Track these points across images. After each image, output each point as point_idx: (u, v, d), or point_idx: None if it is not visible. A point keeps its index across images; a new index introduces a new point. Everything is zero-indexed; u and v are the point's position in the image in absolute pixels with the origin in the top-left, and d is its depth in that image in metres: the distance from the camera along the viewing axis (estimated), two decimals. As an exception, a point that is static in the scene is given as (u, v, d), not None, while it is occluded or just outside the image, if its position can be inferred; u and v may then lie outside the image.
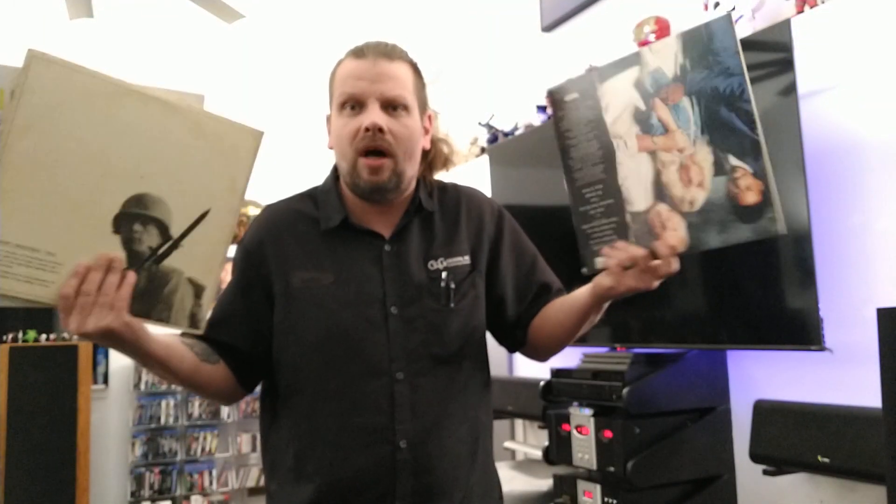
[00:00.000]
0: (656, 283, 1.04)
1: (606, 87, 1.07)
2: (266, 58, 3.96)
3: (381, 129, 1.09)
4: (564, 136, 1.10)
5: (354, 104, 1.11)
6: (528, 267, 1.28)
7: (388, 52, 1.14)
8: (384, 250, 1.17)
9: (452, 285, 1.17)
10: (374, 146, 1.10)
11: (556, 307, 1.24)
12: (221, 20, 2.93)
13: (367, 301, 1.13)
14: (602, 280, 1.07)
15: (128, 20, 3.47)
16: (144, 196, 0.93)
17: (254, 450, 5.02)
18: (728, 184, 0.98)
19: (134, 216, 0.92)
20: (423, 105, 1.19)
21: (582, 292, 1.15)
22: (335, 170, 1.23)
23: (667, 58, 1.01)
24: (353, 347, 1.12)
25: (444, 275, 1.17)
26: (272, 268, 1.15)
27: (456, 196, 1.26)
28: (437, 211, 1.23)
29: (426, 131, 1.21)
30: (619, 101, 1.05)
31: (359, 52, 1.14)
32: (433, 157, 1.26)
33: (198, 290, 0.98)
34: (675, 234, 1.01)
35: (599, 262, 1.08)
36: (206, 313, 1.00)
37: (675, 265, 1.02)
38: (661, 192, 1.03)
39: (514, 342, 1.30)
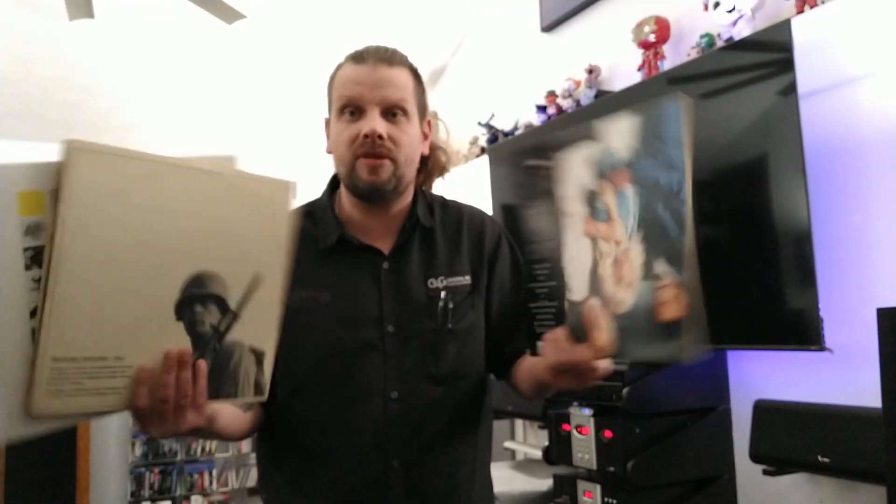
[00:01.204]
0: (592, 383, 0.96)
1: (563, 158, 0.95)
2: (267, 58, 3.96)
3: (380, 136, 1.07)
4: (525, 206, 1.01)
5: (354, 110, 1.09)
6: (523, 300, 1.24)
7: (389, 57, 1.12)
8: (382, 268, 1.15)
9: (451, 305, 1.14)
10: (373, 153, 1.08)
11: (525, 363, 1.21)
12: (221, 20, 2.93)
13: (364, 320, 1.12)
14: (543, 375, 1.01)
15: (128, 20, 3.47)
16: (201, 275, 0.86)
17: (254, 450, 5.00)
18: (653, 291, 0.84)
19: (194, 298, 0.85)
20: (422, 110, 1.17)
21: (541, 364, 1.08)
22: (331, 182, 1.22)
23: (618, 135, 0.88)
24: (349, 366, 1.11)
25: (443, 294, 1.14)
26: None
27: (458, 213, 1.24)
28: (438, 228, 1.20)
29: (425, 137, 1.19)
30: (572, 175, 0.94)
31: (358, 57, 1.12)
32: (431, 166, 1.25)
33: (258, 357, 0.92)
34: (603, 335, 0.89)
35: (540, 346, 1.00)
36: (268, 379, 0.93)
37: (603, 369, 0.93)
38: (595, 284, 0.91)
39: (499, 373, 1.26)
